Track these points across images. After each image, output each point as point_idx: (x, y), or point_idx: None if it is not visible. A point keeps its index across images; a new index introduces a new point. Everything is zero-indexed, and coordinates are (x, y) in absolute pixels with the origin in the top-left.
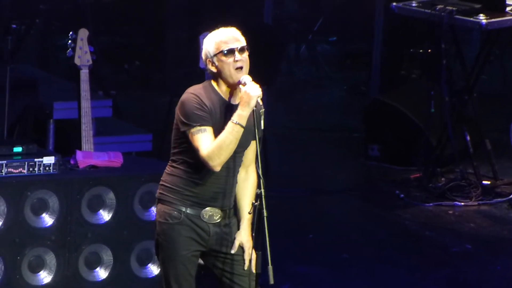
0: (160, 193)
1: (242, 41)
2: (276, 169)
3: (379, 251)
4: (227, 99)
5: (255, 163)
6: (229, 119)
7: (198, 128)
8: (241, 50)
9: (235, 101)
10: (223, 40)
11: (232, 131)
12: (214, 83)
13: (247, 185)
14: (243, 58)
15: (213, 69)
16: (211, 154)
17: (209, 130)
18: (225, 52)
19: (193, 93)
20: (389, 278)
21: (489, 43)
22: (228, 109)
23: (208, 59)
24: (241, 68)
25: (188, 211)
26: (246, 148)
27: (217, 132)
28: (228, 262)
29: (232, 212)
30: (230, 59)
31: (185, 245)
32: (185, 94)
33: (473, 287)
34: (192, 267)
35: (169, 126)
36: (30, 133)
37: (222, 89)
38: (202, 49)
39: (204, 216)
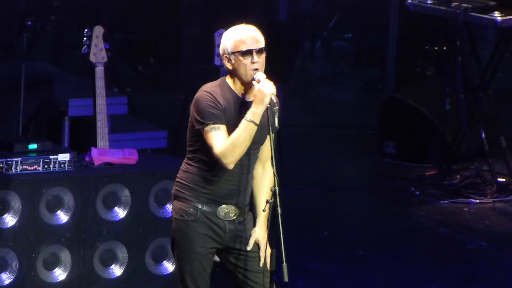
0: (176, 190)
1: (261, 42)
2: (291, 166)
3: (394, 248)
4: (241, 96)
5: (271, 161)
6: (244, 116)
7: (212, 126)
8: (259, 51)
9: (249, 98)
10: (242, 39)
11: (246, 128)
12: (229, 80)
13: (264, 181)
14: (260, 60)
15: (229, 66)
16: (225, 151)
17: (222, 128)
18: (243, 52)
19: (207, 91)
20: (404, 275)
21: (504, 40)
22: (243, 106)
23: (225, 55)
24: (256, 69)
25: (204, 208)
26: (261, 145)
27: (231, 129)
28: (242, 258)
29: (247, 209)
30: (247, 60)
31: (201, 242)
32: (199, 92)
33: (487, 284)
34: (207, 264)
35: (184, 123)
36: (45, 130)
37: (236, 86)
38: (217, 45)
39: (220, 213)
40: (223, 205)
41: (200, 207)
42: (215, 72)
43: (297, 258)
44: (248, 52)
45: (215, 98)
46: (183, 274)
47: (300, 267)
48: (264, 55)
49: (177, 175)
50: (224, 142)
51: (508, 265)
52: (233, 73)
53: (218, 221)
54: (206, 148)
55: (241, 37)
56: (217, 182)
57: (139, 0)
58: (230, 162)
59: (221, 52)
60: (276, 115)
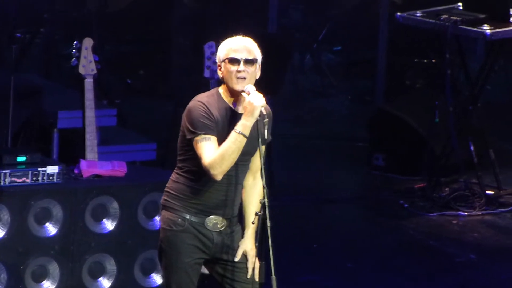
0: (165, 199)
1: (253, 54)
2: (280, 178)
3: (384, 260)
4: (233, 107)
5: (260, 173)
6: (233, 126)
7: (203, 136)
8: (247, 62)
9: (240, 109)
10: (233, 48)
11: (235, 140)
12: (221, 90)
13: (254, 193)
14: (248, 70)
15: (220, 74)
16: (213, 163)
17: (213, 139)
18: (229, 59)
19: (201, 101)
20: (394, 287)
21: (494, 53)
22: (234, 117)
23: (218, 63)
24: (243, 78)
25: (192, 219)
26: (251, 156)
27: (221, 141)
28: (229, 269)
29: (236, 220)
30: (233, 68)
31: (188, 253)
32: (192, 101)
33: None
34: (194, 274)
35: (173, 135)
36: (34, 142)
37: (227, 96)
38: (207, 57)
39: (208, 224)
40: (211, 216)
41: (188, 217)
42: (205, 84)
43: (286, 270)
44: (234, 60)
45: (208, 109)
46: (170, 284)
47: (290, 280)
48: (254, 67)
49: (167, 185)
50: (213, 153)
51: (498, 278)
52: (223, 81)
53: (206, 231)
54: (195, 158)
55: (232, 46)
56: (205, 192)
57: (129, 12)
58: (218, 173)
59: (217, 61)
60: (267, 127)
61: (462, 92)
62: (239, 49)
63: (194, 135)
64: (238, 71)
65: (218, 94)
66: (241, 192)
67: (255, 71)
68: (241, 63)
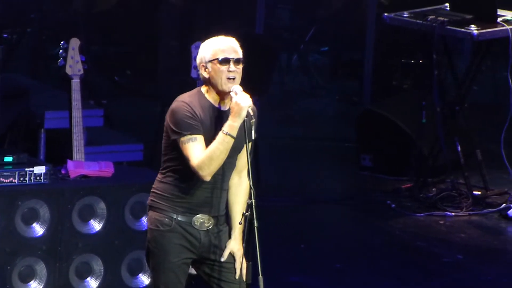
0: (152, 200)
1: (239, 53)
2: (267, 179)
3: (371, 261)
4: (217, 106)
5: (247, 174)
6: (219, 126)
7: (189, 137)
8: (237, 61)
9: (225, 107)
10: (221, 48)
11: (223, 141)
12: (204, 90)
13: (240, 192)
14: (237, 70)
15: (205, 75)
16: (201, 164)
17: (200, 138)
18: (220, 60)
19: (184, 101)
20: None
21: (481, 54)
22: (219, 116)
23: (202, 64)
24: (233, 79)
25: (179, 218)
26: (237, 154)
27: (207, 140)
28: (216, 269)
29: (223, 219)
30: (223, 68)
31: (176, 253)
32: (175, 102)
33: None
34: (182, 274)
35: (160, 135)
36: (21, 142)
37: (212, 96)
38: (194, 58)
39: (195, 223)
40: (198, 215)
41: (175, 217)
42: (192, 84)
43: (274, 271)
44: (226, 60)
45: (192, 109)
46: (158, 284)
47: (278, 280)
48: (241, 66)
49: (153, 186)
50: (201, 154)
51: (484, 278)
52: (209, 82)
53: (193, 231)
54: (180, 158)
55: (220, 47)
56: (192, 191)
57: (116, 12)
58: (207, 174)
59: (198, 61)
60: (253, 127)
61: (449, 93)
62: (227, 49)
63: (179, 135)
64: (230, 71)
65: (201, 93)
66: (227, 190)
67: (241, 71)
68: (231, 63)
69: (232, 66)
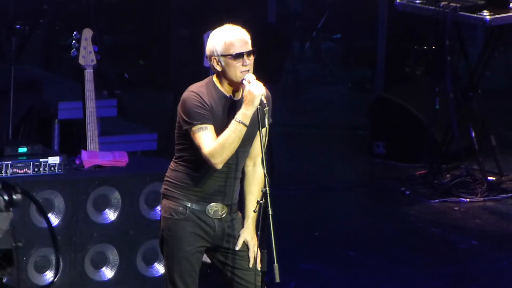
0: (166, 188)
1: (250, 44)
2: (281, 167)
3: (385, 248)
4: (229, 95)
5: (261, 162)
6: (232, 115)
7: (199, 126)
8: (249, 54)
9: (237, 97)
10: (233, 42)
11: (235, 129)
12: (216, 80)
13: (254, 181)
14: (250, 62)
15: (218, 68)
16: (214, 152)
17: (210, 128)
18: (234, 55)
19: (194, 91)
20: (396, 275)
21: (493, 40)
22: (230, 105)
23: (213, 57)
24: (247, 71)
25: (193, 207)
26: (250, 143)
27: (219, 129)
28: (230, 257)
29: (236, 207)
30: (238, 63)
31: (190, 241)
32: (186, 92)
33: (479, 283)
34: (196, 262)
35: (174, 125)
36: (35, 133)
37: (224, 86)
38: (206, 46)
39: (209, 212)
40: (212, 203)
41: (189, 205)
42: (205, 73)
43: (288, 259)
44: (240, 55)
45: (202, 98)
46: (171, 273)
47: (292, 268)
48: (253, 57)
49: (166, 174)
50: (213, 143)
51: (499, 264)
52: (222, 75)
53: (207, 219)
54: (193, 148)
55: (232, 40)
56: (205, 180)
57: (128, 2)
58: (219, 162)
59: (208, 53)
60: (266, 115)
61: (462, 79)
62: (238, 43)
63: (190, 125)
64: (244, 65)
65: (213, 83)
66: (240, 178)
67: (253, 60)
68: (245, 56)
69: (246, 60)
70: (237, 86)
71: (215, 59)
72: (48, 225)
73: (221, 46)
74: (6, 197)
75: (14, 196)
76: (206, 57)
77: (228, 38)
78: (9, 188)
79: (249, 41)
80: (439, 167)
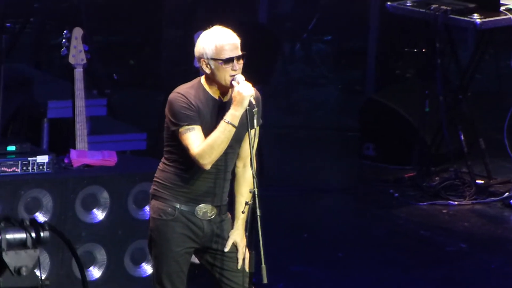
0: (154, 189)
1: (239, 48)
2: (270, 168)
3: (374, 250)
4: (217, 97)
5: (250, 163)
6: (220, 117)
7: (187, 127)
8: (239, 58)
9: (225, 98)
10: (224, 47)
11: (224, 130)
12: (204, 81)
13: (244, 182)
14: (240, 66)
15: (207, 70)
16: (202, 152)
17: (197, 128)
18: (224, 60)
19: (180, 92)
20: (384, 277)
21: (484, 43)
22: (219, 107)
23: (203, 59)
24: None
25: (182, 208)
26: (239, 144)
27: (208, 131)
28: (218, 258)
29: (225, 208)
30: (228, 67)
31: (178, 242)
32: (172, 93)
33: (468, 286)
34: (184, 263)
35: (163, 125)
36: (24, 132)
37: (212, 88)
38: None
39: (198, 213)
40: (201, 204)
41: (178, 206)
42: (195, 73)
43: (277, 260)
44: (230, 60)
45: (188, 99)
46: (159, 273)
47: (280, 269)
48: (242, 61)
49: (155, 175)
50: (201, 143)
51: (487, 267)
52: (211, 77)
53: (196, 220)
54: (182, 149)
55: (223, 44)
56: (194, 181)
57: (118, 1)
58: (207, 163)
59: (197, 55)
60: (255, 116)
61: (453, 82)
62: (230, 47)
63: (177, 127)
64: (234, 70)
65: (200, 84)
66: (229, 179)
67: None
68: (235, 61)
69: (236, 65)
70: (225, 88)
71: (205, 62)
72: (77, 263)
73: (212, 50)
74: (33, 235)
75: (42, 234)
76: (196, 56)
77: (219, 42)
78: (37, 225)
79: (239, 45)
80: (428, 170)
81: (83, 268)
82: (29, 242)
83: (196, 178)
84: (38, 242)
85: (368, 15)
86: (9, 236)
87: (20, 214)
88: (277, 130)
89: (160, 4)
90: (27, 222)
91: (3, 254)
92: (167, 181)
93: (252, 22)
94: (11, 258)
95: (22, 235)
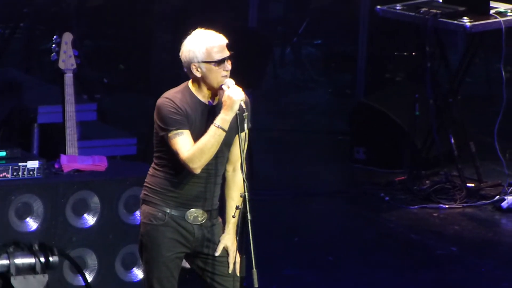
0: (145, 194)
1: (227, 49)
2: (261, 171)
3: (365, 254)
4: (206, 101)
5: (240, 167)
6: (209, 121)
7: (175, 132)
8: (229, 58)
9: (214, 102)
10: (214, 49)
11: (214, 134)
12: (192, 86)
13: (234, 186)
14: (229, 66)
15: (198, 74)
16: (192, 157)
17: (186, 133)
18: (217, 62)
19: (168, 97)
20: (375, 281)
21: (473, 46)
22: (208, 111)
23: (193, 64)
24: (227, 76)
25: (172, 213)
26: (229, 148)
27: (197, 135)
28: (209, 263)
29: (216, 213)
30: (220, 69)
31: (169, 247)
32: (160, 98)
33: None
34: (175, 268)
35: (153, 129)
36: (15, 137)
37: (201, 92)
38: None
39: (189, 217)
40: (191, 209)
41: (168, 211)
42: (185, 78)
43: (268, 264)
44: (222, 61)
45: (176, 104)
46: (150, 279)
47: (272, 273)
48: (230, 61)
49: (145, 180)
50: (191, 147)
51: (478, 270)
52: (201, 81)
53: (186, 225)
54: (171, 154)
55: (213, 46)
56: (184, 185)
57: (108, 6)
58: (197, 167)
59: (186, 59)
60: (245, 120)
61: (443, 85)
62: (220, 48)
63: (166, 131)
64: (226, 70)
65: (188, 89)
66: (220, 183)
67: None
68: (226, 62)
69: (227, 65)
70: (215, 91)
71: (195, 66)
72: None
73: (202, 53)
74: (42, 259)
75: (51, 259)
76: (184, 61)
77: (209, 44)
78: (46, 250)
79: (226, 46)
80: (418, 173)
81: (83, 273)
82: (38, 267)
83: (186, 182)
84: (47, 267)
85: (358, 19)
86: (18, 261)
87: (10, 220)
88: (267, 134)
89: (150, 8)
90: (36, 247)
91: (12, 279)
92: (157, 186)
93: (243, 26)
94: (20, 283)
95: (31, 260)
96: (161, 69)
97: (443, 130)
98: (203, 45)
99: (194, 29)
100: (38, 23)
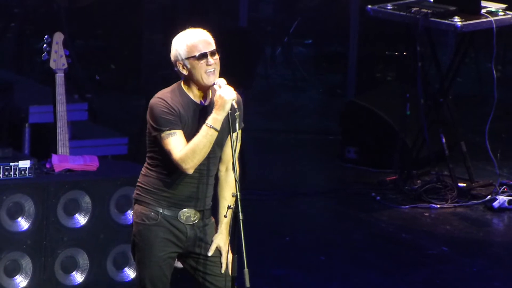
0: (137, 193)
1: (212, 44)
2: (252, 172)
3: (356, 253)
4: (198, 101)
5: (232, 167)
6: (202, 121)
7: (168, 132)
8: (213, 53)
9: (206, 102)
10: (195, 44)
11: (206, 134)
12: (184, 86)
13: (226, 186)
14: (215, 61)
15: (184, 72)
16: (184, 157)
17: (179, 133)
18: (198, 56)
19: (160, 97)
20: (366, 280)
21: (464, 45)
22: (200, 111)
23: (178, 62)
24: (213, 71)
25: (165, 212)
26: (221, 148)
27: (190, 135)
28: (201, 262)
29: (208, 213)
30: (202, 63)
31: (161, 247)
32: (153, 99)
33: None
34: (167, 268)
35: (145, 129)
36: (6, 137)
37: (192, 91)
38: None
39: (181, 217)
40: (184, 209)
41: (161, 211)
42: (176, 78)
43: (259, 264)
44: (203, 55)
45: (169, 104)
46: (143, 278)
47: (263, 273)
48: (217, 56)
49: (138, 179)
50: (183, 148)
51: (469, 270)
52: (189, 79)
53: (179, 225)
54: (164, 154)
55: (194, 42)
56: (177, 185)
57: (99, 6)
58: (190, 167)
59: (173, 59)
60: (237, 120)
61: (433, 85)
62: (202, 43)
63: (159, 132)
64: (208, 65)
65: (181, 89)
66: (213, 183)
67: (218, 60)
68: (208, 56)
69: (210, 60)
70: (205, 89)
71: (181, 64)
72: None
73: (184, 50)
74: None
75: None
76: (172, 61)
77: (190, 41)
78: None
79: (212, 42)
80: (409, 173)
81: None
82: None
83: (179, 182)
84: None
85: (349, 19)
86: None
87: (2, 219)
88: (258, 134)
89: (141, 8)
90: None
91: None
92: (150, 186)
93: (233, 26)
94: None
95: None
96: (151, 69)
97: (434, 130)
98: (184, 42)
99: (184, 29)
100: (28, 23)
